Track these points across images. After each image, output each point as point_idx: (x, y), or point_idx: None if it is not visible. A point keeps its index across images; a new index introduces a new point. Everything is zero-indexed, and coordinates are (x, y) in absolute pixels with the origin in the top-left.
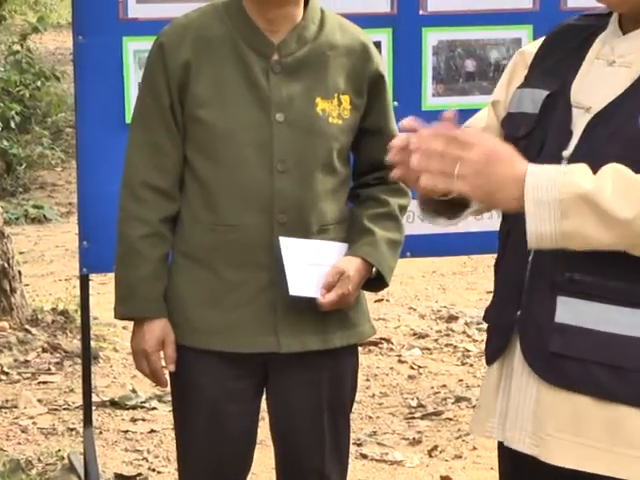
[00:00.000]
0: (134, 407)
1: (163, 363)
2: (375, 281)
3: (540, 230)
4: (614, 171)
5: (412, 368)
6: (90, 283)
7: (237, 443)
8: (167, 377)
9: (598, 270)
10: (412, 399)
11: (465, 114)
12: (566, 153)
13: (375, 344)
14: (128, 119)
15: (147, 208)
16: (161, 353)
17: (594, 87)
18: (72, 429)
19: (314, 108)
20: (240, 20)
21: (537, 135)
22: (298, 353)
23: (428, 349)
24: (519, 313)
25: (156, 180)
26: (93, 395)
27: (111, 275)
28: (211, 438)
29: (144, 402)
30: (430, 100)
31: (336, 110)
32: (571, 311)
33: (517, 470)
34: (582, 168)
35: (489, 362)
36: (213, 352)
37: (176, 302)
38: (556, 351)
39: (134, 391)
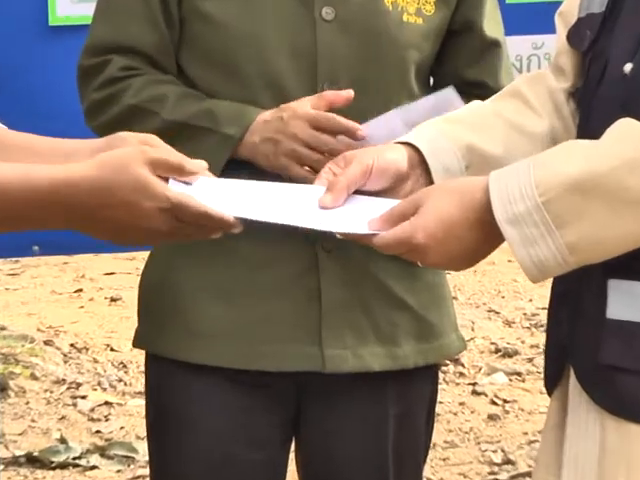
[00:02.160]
0: (63, 465)
1: None
2: None
3: (536, 256)
4: (621, 129)
5: (494, 403)
6: None
7: None
8: None
9: None
10: (494, 451)
11: None
12: (628, 67)
13: (438, 366)
14: (52, 20)
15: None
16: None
17: None
18: None
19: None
20: None
21: (601, 44)
22: (353, 374)
23: (518, 374)
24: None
25: (148, 46)
26: (0, 447)
27: (26, 261)
28: None
29: (78, 457)
30: None
31: (414, 3)
32: (628, 300)
33: None
34: (563, 148)
35: (549, 394)
36: (220, 369)
37: (168, 293)
38: (611, 363)
39: (63, 441)
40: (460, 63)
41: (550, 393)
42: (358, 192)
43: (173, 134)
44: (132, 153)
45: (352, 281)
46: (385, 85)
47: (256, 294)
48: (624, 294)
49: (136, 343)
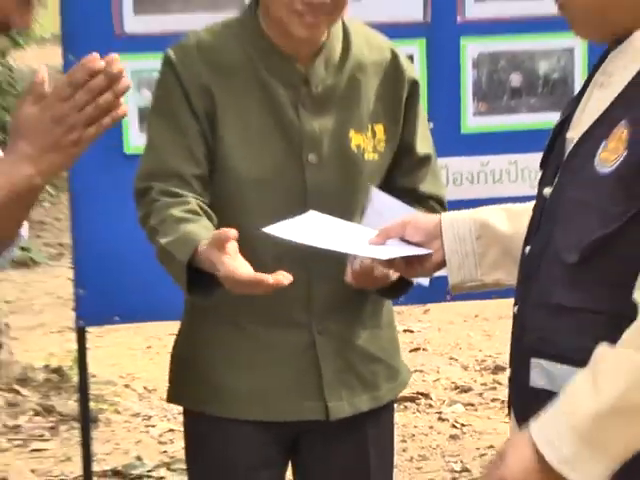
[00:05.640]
0: (140, 477)
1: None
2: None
3: None
4: (609, 356)
5: (454, 427)
6: (87, 336)
7: None
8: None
9: (567, 329)
10: (455, 462)
11: (512, 136)
12: (547, 191)
13: (412, 400)
14: (127, 149)
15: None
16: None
17: (585, 115)
18: None
19: (348, 144)
20: (261, 44)
21: (542, 172)
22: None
23: (472, 405)
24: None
25: (191, 169)
26: (93, 464)
27: (109, 327)
28: None
29: (151, 471)
30: (471, 120)
31: (371, 143)
32: (543, 374)
33: None
34: (580, 384)
35: (509, 417)
36: (245, 420)
37: (199, 366)
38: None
39: (139, 458)
40: (399, 175)
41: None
42: (404, 241)
43: (162, 256)
44: None
45: (341, 351)
46: (354, 207)
47: (270, 366)
48: (540, 369)
49: (172, 399)
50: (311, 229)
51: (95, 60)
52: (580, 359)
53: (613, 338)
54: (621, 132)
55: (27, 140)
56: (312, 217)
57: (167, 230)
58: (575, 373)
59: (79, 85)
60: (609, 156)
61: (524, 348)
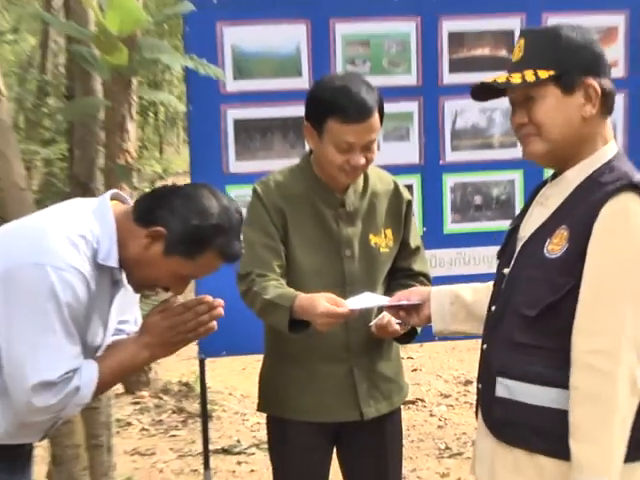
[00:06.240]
0: (239, 453)
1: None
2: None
3: None
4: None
5: (440, 420)
6: (205, 362)
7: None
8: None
9: (522, 359)
10: (441, 443)
11: (476, 235)
12: (506, 271)
13: (413, 402)
14: None
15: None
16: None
17: (530, 222)
18: (195, 470)
19: (369, 243)
20: (313, 181)
21: (500, 260)
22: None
23: (452, 406)
24: (480, 386)
25: (277, 261)
26: (209, 444)
27: (219, 359)
28: (302, 476)
29: (246, 449)
30: (449, 226)
31: (384, 241)
32: (505, 388)
33: None
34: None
35: (476, 416)
36: (306, 422)
37: (277, 387)
38: (498, 417)
39: (239, 441)
40: (399, 260)
41: (476, 417)
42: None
43: (268, 308)
44: None
45: (369, 376)
46: (377, 283)
47: (323, 388)
48: (503, 385)
49: (260, 409)
50: (360, 300)
51: (205, 297)
52: (531, 378)
53: (556, 365)
54: (562, 233)
55: (149, 335)
56: (363, 294)
57: (269, 292)
58: (527, 388)
59: (190, 308)
60: (555, 247)
61: (492, 370)
